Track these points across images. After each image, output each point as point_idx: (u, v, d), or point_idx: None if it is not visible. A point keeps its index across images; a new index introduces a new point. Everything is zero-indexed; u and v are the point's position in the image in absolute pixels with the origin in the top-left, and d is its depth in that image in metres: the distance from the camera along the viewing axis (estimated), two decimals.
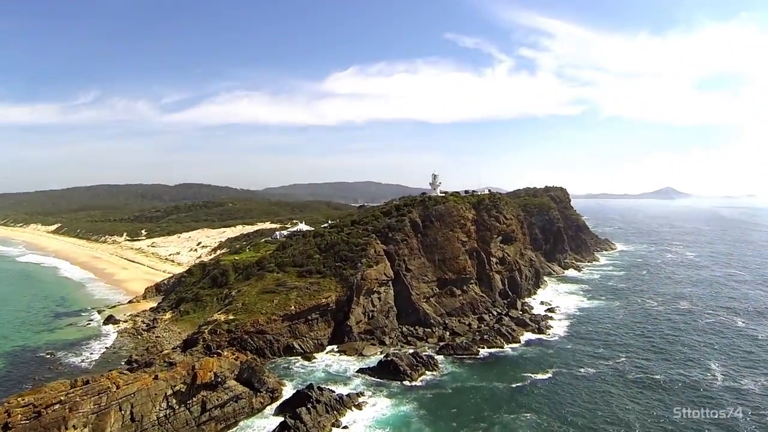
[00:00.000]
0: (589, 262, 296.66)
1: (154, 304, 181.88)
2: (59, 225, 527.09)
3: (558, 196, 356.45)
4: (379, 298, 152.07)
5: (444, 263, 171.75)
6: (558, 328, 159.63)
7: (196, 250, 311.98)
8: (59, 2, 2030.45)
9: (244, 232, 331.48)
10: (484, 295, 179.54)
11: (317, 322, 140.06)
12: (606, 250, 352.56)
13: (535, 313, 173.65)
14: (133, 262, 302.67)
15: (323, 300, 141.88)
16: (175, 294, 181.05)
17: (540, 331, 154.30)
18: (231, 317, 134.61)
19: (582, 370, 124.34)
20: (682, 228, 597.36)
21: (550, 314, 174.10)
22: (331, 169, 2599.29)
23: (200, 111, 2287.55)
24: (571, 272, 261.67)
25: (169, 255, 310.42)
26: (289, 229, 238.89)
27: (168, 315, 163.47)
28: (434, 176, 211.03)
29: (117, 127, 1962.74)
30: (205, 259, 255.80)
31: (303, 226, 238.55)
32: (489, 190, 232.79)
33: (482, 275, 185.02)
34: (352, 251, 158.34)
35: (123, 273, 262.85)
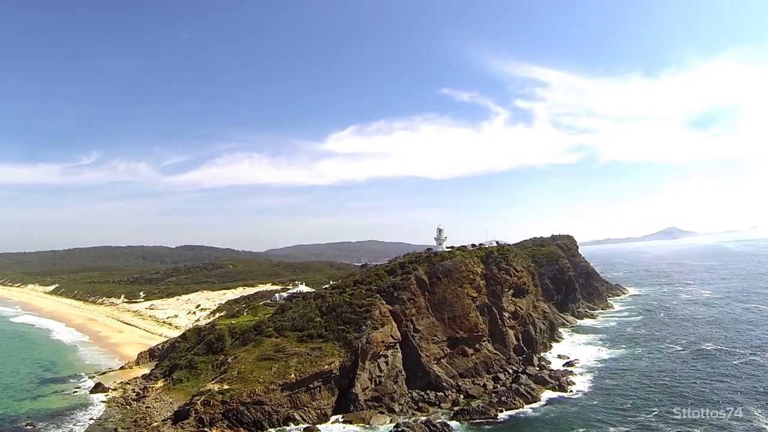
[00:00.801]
0: (602, 309, 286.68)
1: (147, 371, 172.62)
2: (57, 285, 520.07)
3: (565, 244, 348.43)
4: (387, 362, 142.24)
5: (454, 321, 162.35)
6: (580, 383, 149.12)
7: (194, 312, 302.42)
8: (62, 66, 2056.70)
9: (245, 294, 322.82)
10: (497, 352, 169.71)
11: (320, 390, 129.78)
12: (618, 296, 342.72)
13: (554, 369, 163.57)
14: (129, 324, 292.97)
15: (326, 366, 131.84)
16: (168, 360, 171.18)
17: (561, 388, 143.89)
18: (226, 387, 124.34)
19: (611, 429, 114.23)
20: (692, 266, 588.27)
21: (569, 369, 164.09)
22: (333, 229, 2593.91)
23: (202, 173, 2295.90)
24: (585, 321, 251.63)
25: (167, 318, 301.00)
26: (288, 291, 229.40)
27: (160, 383, 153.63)
28: (439, 230, 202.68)
29: (118, 189, 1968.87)
30: (204, 322, 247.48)
31: (303, 288, 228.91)
32: (497, 242, 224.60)
33: (495, 331, 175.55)
34: (356, 313, 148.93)
35: (118, 336, 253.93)
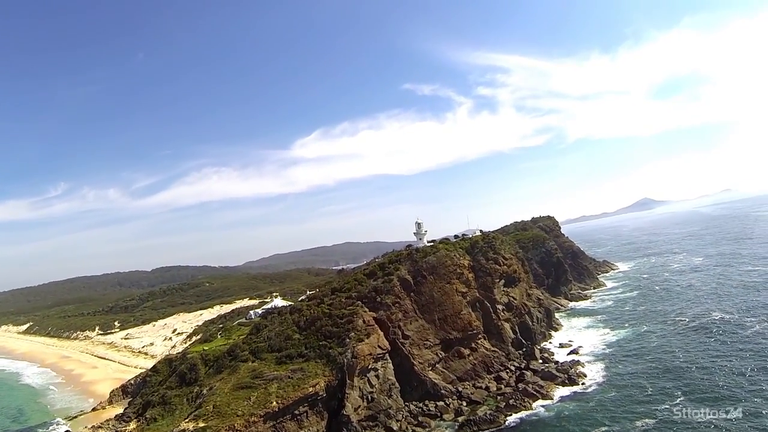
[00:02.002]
0: (595, 288, 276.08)
1: (121, 410, 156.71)
2: (30, 324, 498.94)
3: (548, 226, 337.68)
4: (377, 376, 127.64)
5: (445, 321, 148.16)
6: (591, 374, 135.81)
7: (170, 338, 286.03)
8: (19, 101, 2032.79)
9: (222, 313, 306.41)
10: (495, 349, 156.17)
11: (307, 416, 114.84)
12: (607, 272, 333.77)
13: (560, 361, 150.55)
14: (104, 359, 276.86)
15: (310, 389, 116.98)
16: (141, 397, 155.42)
17: (572, 381, 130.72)
18: (202, 424, 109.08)
19: (638, 423, 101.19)
20: (673, 234, 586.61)
21: (576, 358, 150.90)
22: (308, 235, 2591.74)
23: (172, 193, 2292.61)
24: (580, 303, 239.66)
25: (143, 347, 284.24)
26: (263, 307, 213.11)
27: (132, 425, 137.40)
28: (418, 225, 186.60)
29: (89, 218, 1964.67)
30: (180, 348, 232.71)
31: (278, 302, 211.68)
32: (481, 231, 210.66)
33: (490, 327, 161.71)
34: (337, 325, 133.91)
35: (91, 373, 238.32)
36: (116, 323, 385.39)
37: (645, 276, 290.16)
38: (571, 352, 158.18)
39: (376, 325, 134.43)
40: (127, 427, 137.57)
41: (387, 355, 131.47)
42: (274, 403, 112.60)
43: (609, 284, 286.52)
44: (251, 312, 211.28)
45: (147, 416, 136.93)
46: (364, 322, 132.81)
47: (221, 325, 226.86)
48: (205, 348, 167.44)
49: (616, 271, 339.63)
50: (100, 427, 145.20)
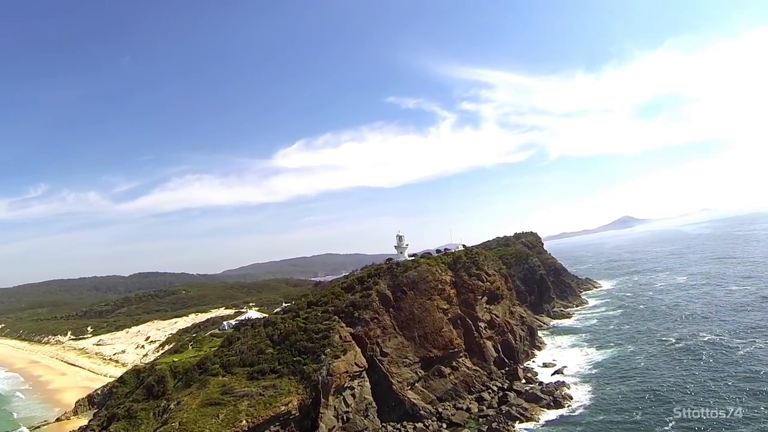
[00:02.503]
0: (577, 306, 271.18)
1: (86, 421, 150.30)
2: (2, 326, 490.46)
3: (530, 242, 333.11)
4: (353, 395, 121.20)
5: (426, 339, 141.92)
6: (577, 395, 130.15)
7: (143, 346, 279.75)
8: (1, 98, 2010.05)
9: (197, 321, 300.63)
10: (477, 368, 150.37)
11: None
12: (590, 290, 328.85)
13: (544, 381, 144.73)
14: (74, 365, 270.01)
15: (282, 407, 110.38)
16: (106, 409, 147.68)
17: (557, 404, 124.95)
18: None
19: None
20: (656, 252, 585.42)
21: (561, 379, 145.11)
22: (288, 245, 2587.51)
23: (153, 198, 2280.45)
24: (563, 321, 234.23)
25: (114, 354, 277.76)
26: (237, 318, 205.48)
27: None
28: (399, 238, 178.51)
29: (68, 220, 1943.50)
30: (152, 357, 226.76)
31: (253, 313, 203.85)
32: (463, 246, 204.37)
33: (471, 345, 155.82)
34: (312, 340, 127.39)
35: (59, 380, 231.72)
36: (89, 328, 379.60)
37: (628, 294, 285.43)
38: (556, 372, 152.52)
39: (353, 342, 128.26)
40: None
41: (364, 372, 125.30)
42: (244, 421, 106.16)
43: (592, 302, 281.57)
44: (225, 323, 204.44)
45: (111, 430, 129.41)
46: (340, 337, 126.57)
47: (194, 335, 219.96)
48: (175, 359, 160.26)
49: (599, 289, 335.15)
50: None
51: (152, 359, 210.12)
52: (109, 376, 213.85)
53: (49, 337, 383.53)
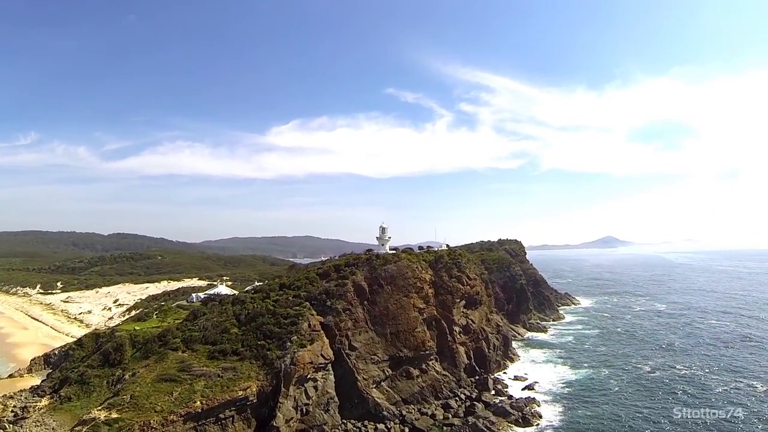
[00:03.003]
0: (554, 320, 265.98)
1: (38, 381, 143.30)
2: None
3: (513, 250, 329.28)
4: (316, 388, 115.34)
5: (397, 337, 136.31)
6: (548, 414, 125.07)
7: (110, 309, 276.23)
8: None
9: (168, 289, 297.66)
10: (447, 373, 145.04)
11: (232, 421, 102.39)
12: (568, 305, 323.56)
13: (514, 395, 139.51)
14: (37, 320, 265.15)
15: (240, 392, 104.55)
16: (60, 371, 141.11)
17: (526, 422, 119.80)
18: (114, 415, 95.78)
19: None
20: (636, 276, 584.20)
21: (531, 395, 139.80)
22: (270, 223, 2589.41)
23: (142, 160, 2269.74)
24: (539, 335, 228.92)
25: (79, 314, 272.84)
26: (206, 292, 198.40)
27: (45, 401, 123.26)
28: (383, 229, 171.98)
29: (55, 172, 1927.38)
30: (117, 321, 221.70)
31: (223, 289, 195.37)
32: (447, 246, 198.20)
33: (443, 348, 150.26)
34: (280, 325, 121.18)
35: (20, 335, 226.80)
36: (59, 284, 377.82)
37: (606, 315, 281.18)
38: (527, 387, 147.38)
39: (322, 331, 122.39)
40: (39, 403, 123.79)
41: (330, 365, 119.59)
42: (198, 402, 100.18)
43: (569, 318, 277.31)
44: (193, 295, 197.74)
45: (62, 394, 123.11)
46: (309, 326, 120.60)
47: (161, 304, 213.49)
48: (137, 327, 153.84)
49: (576, 305, 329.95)
50: (11, 397, 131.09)
51: (117, 323, 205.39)
52: (71, 336, 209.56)
53: (18, 288, 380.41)
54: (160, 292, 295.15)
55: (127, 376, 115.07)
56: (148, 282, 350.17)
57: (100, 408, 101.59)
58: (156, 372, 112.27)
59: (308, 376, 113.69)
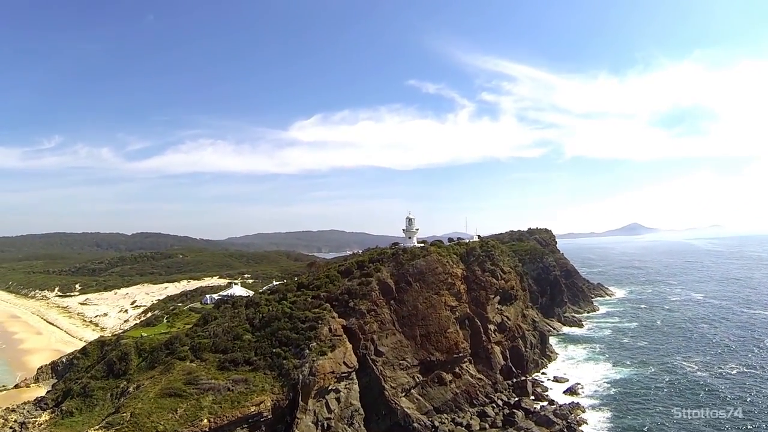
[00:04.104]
0: (588, 312, 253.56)
1: (44, 391, 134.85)
2: None
3: (544, 239, 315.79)
4: (338, 400, 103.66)
5: (428, 339, 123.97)
6: (594, 422, 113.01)
7: (126, 311, 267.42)
8: (23, 46, 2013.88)
9: (188, 289, 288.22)
10: (482, 376, 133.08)
11: None
12: (602, 297, 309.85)
13: (556, 400, 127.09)
14: (52, 324, 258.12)
15: (253, 408, 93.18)
16: (64, 382, 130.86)
17: (571, 431, 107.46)
18: None
19: None
20: (667, 264, 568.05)
21: (575, 399, 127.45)
22: (294, 218, 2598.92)
23: (165, 159, 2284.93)
24: (575, 330, 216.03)
25: (95, 317, 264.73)
26: (220, 293, 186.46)
27: (45, 416, 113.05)
28: (409, 220, 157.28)
29: (79, 174, 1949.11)
30: (134, 322, 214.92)
31: (238, 289, 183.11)
32: (479, 237, 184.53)
33: (478, 349, 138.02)
34: (297, 330, 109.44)
35: (33, 340, 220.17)
36: (77, 286, 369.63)
37: (643, 306, 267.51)
38: (569, 391, 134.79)
39: (344, 336, 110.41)
40: (39, 418, 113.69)
41: (353, 374, 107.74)
42: (205, 420, 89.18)
43: (603, 309, 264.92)
44: (207, 296, 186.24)
45: (63, 408, 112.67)
46: (330, 330, 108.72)
47: (174, 307, 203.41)
48: (144, 334, 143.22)
49: (611, 297, 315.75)
50: (13, 410, 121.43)
51: (132, 325, 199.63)
52: (84, 341, 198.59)
53: (36, 291, 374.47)
54: (178, 292, 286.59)
55: (131, 389, 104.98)
56: (167, 282, 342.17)
57: (98, 427, 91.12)
58: (161, 385, 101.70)
59: (329, 387, 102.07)
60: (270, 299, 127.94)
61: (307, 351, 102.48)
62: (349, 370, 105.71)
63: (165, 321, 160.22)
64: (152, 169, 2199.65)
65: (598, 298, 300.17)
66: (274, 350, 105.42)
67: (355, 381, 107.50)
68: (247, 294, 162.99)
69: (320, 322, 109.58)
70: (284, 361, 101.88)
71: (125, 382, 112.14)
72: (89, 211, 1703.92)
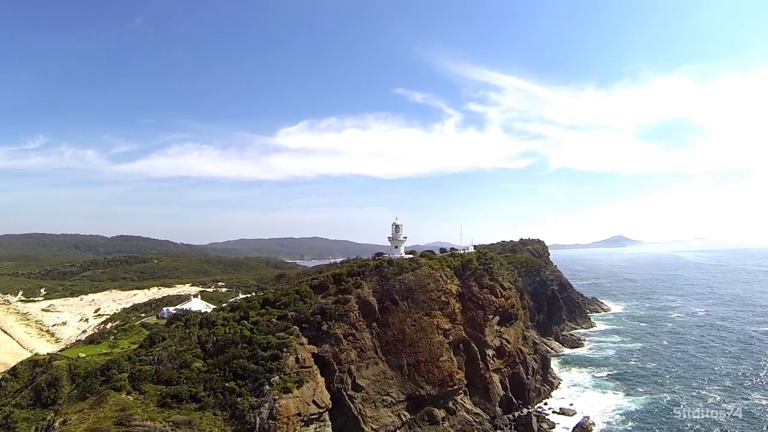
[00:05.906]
0: (586, 329, 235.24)
1: None
2: None
3: (537, 250, 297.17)
4: None
5: (417, 369, 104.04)
6: None
7: (87, 320, 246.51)
8: (8, 45, 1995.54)
9: (156, 297, 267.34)
10: (479, 410, 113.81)
11: None
12: (598, 312, 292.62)
13: None
14: (6, 333, 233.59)
15: None
16: None
17: None
18: None
19: None
20: (659, 276, 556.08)
21: None
22: (278, 224, 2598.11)
23: (150, 162, 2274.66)
24: (576, 351, 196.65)
25: (53, 325, 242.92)
26: (177, 306, 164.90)
27: None
28: (396, 227, 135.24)
29: (63, 175, 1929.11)
30: (91, 332, 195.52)
31: (195, 303, 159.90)
32: (474, 247, 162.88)
33: (474, 379, 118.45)
34: (257, 360, 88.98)
35: None
36: (42, 290, 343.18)
37: (644, 324, 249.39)
38: (580, 427, 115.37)
39: (314, 367, 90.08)
40: None
41: (326, 414, 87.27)
42: None
43: (601, 326, 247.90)
44: (164, 309, 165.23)
45: None
46: (297, 360, 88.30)
47: (125, 322, 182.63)
48: (81, 354, 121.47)
49: (607, 311, 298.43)
50: None
51: (90, 334, 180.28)
52: (34, 353, 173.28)
53: None
54: (146, 300, 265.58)
55: (57, 423, 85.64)
56: (137, 289, 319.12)
57: None
58: (88, 423, 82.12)
59: None
60: (228, 318, 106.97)
61: (268, 387, 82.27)
62: (320, 410, 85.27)
63: (112, 338, 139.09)
64: (137, 172, 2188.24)
65: (594, 314, 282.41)
66: (227, 384, 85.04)
67: (328, 423, 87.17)
68: (206, 309, 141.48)
69: (285, 349, 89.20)
70: (239, 399, 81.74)
71: (52, 414, 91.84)
72: (72, 213, 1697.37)
